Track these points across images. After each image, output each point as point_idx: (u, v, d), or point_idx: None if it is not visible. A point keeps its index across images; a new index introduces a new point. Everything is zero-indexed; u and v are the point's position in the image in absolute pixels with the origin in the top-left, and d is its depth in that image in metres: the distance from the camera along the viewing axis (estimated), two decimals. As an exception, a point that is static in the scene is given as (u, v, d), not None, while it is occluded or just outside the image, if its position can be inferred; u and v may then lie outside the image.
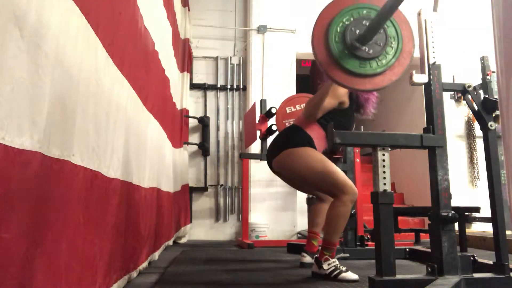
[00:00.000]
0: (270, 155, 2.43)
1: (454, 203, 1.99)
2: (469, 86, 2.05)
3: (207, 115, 4.89)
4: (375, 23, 1.68)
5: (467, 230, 3.42)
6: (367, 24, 1.71)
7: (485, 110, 2.05)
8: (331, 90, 2.23)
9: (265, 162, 4.31)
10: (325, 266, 2.14)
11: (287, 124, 3.26)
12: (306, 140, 2.29)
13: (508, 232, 2.10)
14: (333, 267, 2.13)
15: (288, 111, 3.34)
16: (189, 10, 4.65)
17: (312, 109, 2.28)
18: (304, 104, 3.32)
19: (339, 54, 1.70)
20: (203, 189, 4.72)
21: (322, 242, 2.23)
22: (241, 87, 4.98)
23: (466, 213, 3.01)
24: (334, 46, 1.70)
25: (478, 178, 4.96)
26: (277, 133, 3.81)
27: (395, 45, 1.77)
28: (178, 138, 4.04)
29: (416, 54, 2.04)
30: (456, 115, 5.11)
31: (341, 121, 2.31)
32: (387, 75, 1.75)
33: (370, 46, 1.72)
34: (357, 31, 1.71)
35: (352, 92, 2.36)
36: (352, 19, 1.73)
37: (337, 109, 2.33)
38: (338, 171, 2.22)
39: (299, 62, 5.67)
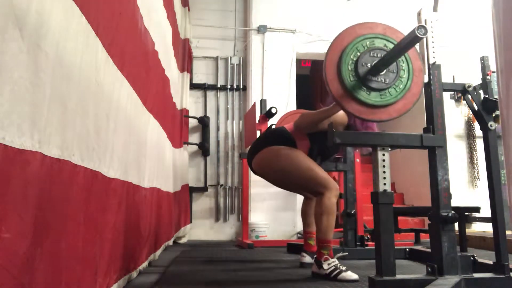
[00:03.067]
0: (251, 154, 2.40)
1: (454, 203, 1.99)
2: (469, 86, 2.05)
3: (207, 115, 4.89)
4: (389, 58, 1.69)
5: (467, 230, 3.41)
6: (375, 55, 1.73)
7: (485, 110, 2.05)
8: (332, 116, 2.23)
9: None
10: (325, 266, 2.14)
11: None
12: (290, 142, 2.30)
13: (508, 232, 2.10)
14: (333, 267, 2.13)
15: None
16: (189, 10, 4.65)
17: (307, 123, 2.29)
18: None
19: (357, 92, 1.71)
20: (203, 189, 4.72)
21: (317, 241, 2.23)
22: (241, 87, 4.98)
23: (466, 213, 3.01)
24: (351, 85, 1.71)
25: (478, 178, 4.96)
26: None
27: (406, 66, 1.79)
28: (178, 138, 4.04)
29: (416, 54, 2.05)
30: (456, 115, 5.11)
31: (324, 144, 2.31)
32: (407, 97, 1.78)
33: (385, 76, 1.74)
34: (368, 64, 1.73)
35: (351, 125, 2.35)
36: (358, 53, 1.74)
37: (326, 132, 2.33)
38: (320, 169, 2.25)
39: (299, 62, 5.68)
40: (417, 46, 2.01)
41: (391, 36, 1.80)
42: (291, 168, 2.24)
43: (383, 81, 1.74)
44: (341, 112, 2.29)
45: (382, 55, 1.74)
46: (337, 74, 1.73)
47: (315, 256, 2.24)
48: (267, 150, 2.31)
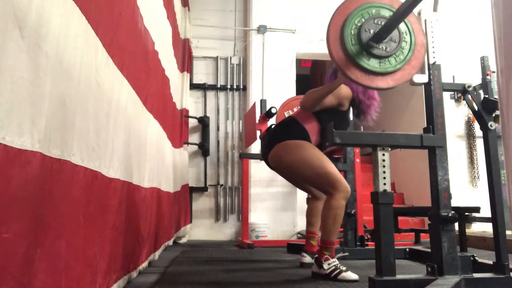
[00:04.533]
0: (266, 149, 2.41)
1: (454, 203, 1.99)
2: (469, 86, 2.05)
3: (207, 115, 4.89)
4: (391, 24, 1.71)
5: (467, 230, 3.41)
6: (379, 22, 1.76)
7: (485, 110, 2.05)
8: (336, 90, 2.24)
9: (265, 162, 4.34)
10: (325, 266, 2.14)
11: None
12: (302, 133, 2.29)
13: (508, 232, 2.10)
14: (333, 267, 2.13)
15: (286, 115, 3.36)
16: (189, 10, 4.65)
17: (312, 101, 2.27)
18: None
19: (358, 56, 1.73)
20: (203, 189, 4.72)
21: (321, 241, 2.23)
22: (241, 87, 4.98)
23: (466, 213, 3.01)
24: (352, 49, 1.73)
25: (478, 178, 4.96)
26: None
27: (408, 39, 1.82)
28: (178, 138, 4.04)
29: (416, 54, 2.05)
30: (456, 115, 5.10)
31: (337, 122, 2.30)
32: (406, 69, 1.80)
33: (386, 44, 1.76)
34: (371, 31, 1.75)
35: (355, 98, 2.36)
36: (363, 19, 1.76)
37: (335, 109, 2.32)
38: (333, 167, 2.23)
39: (299, 62, 5.68)
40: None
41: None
42: (303, 164, 2.22)
43: (384, 49, 1.75)
44: (344, 86, 2.31)
45: None
46: (340, 37, 1.75)
47: (316, 256, 2.24)
48: (279, 146, 2.30)
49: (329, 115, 2.29)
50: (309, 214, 2.69)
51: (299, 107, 2.44)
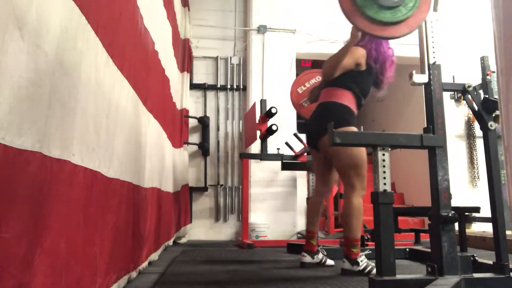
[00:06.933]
0: (317, 134, 2.44)
1: (454, 203, 1.99)
2: (469, 86, 2.05)
3: (207, 115, 4.89)
4: None
5: (467, 230, 3.41)
6: None
7: (485, 110, 2.05)
8: (350, 51, 2.31)
9: (265, 162, 4.35)
10: (360, 263, 2.23)
11: (304, 105, 3.37)
12: (348, 113, 2.37)
13: (508, 232, 2.10)
14: (366, 263, 2.22)
15: (300, 91, 3.41)
16: (189, 10, 4.65)
17: (330, 67, 2.34)
18: (313, 79, 3.38)
19: (369, 8, 1.78)
20: (203, 189, 4.72)
21: (346, 240, 2.30)
22: (241, 87, 4.98)
23: (466, 213, 3.01)
24: (363, 4, 1.78)
25: (478, 178, 4.96)
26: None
27: None
28: (178, 138, 4.04)
29: (416, 54, 2.05)
30: (456, 115, 5.10)
31: (361, 82, 2.43)
32: (417, 15, 1.84)
33: None
34: None
35: (368, 55, 2.43)
36: None
37: (355, 71, 2.41)
38: (365, 165, 2.35)
39: (299, 62, 5.67)
40: (416, 40, 2.03)
41: None
42: (345, 151, 2.31)
43: None
44: (357, 46, 2.41)
45: None
46: None
47: (345, 254, 2.30)
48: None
49: (350, 78, 2.40)
50: (310, 213, 2.70)
51: (324, 91, 2.51)
